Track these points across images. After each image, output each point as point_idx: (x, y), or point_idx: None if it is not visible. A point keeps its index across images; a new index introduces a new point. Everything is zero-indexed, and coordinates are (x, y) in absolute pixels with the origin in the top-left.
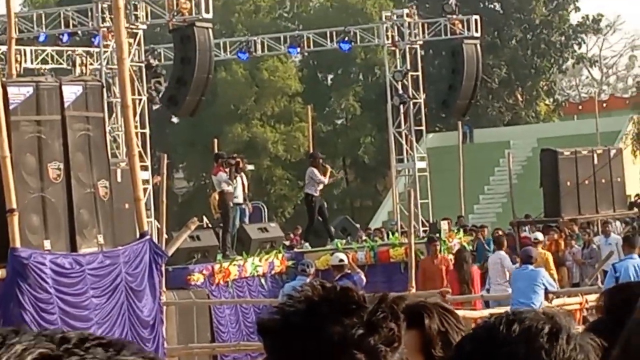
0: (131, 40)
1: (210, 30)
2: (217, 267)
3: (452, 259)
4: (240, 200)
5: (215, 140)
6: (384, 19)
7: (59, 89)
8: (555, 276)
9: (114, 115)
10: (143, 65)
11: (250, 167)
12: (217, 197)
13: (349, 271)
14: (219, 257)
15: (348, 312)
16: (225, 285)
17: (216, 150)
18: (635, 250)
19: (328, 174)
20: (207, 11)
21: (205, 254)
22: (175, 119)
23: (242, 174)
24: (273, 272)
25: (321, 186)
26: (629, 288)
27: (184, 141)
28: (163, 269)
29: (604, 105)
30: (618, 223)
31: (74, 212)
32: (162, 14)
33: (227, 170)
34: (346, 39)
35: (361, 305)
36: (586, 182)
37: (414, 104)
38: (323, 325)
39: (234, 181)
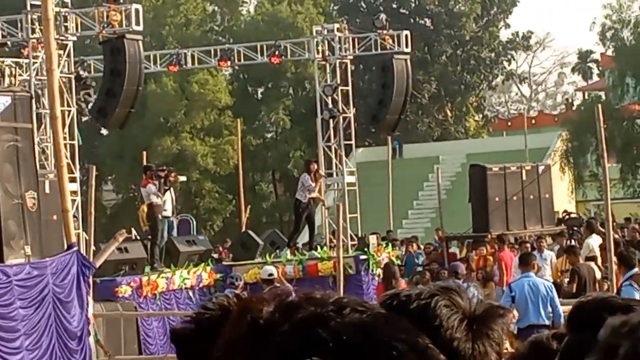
0: (61, 52)
1: (140, 43)
2: (145, 279)
3: (380, 274)
4: (168, 213)
5: (145, 153)
6: (314, 33)
7: None
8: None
9: (42, 126)
10: (72, 76)
11: (183, 178)
12: (145, 209)
13: (278, 285)
14: (147, 269)
15: None
16: (153, 297)
17: (145, 163)
18: (531, 268)
19: (319, 182)
20: (137, 23)
21: (133, 266)
22: (104, 131)
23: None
24: (201, 285)
25: (313, 194)
26: None
27: (113, 153)
28: (91, 280)
29: (533, 121)
30: (549, 239)
31: (1, 223)
32: (92, 25)
33: (156, 182)
34: (276, 52)
35: None
36: (514, 198)
37: (344, 118)
38: None
39: (163, 194)
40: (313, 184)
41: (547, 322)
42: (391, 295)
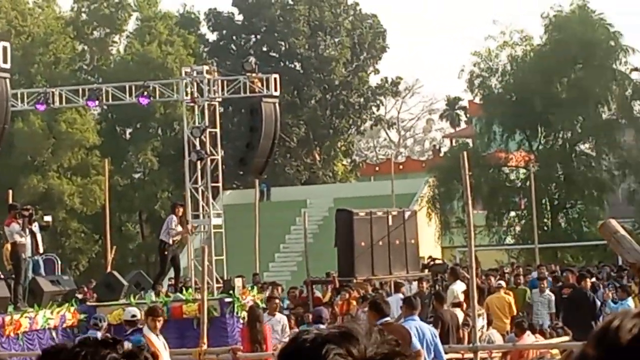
0: None
1: (8, 81)
2: (7, 318)
3: (245, 317)
4: (28, 253)
5: (10, 191)
6: (183, 74)
7: None
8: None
9: None
10: None
11: (48, 218)
12: (9, 248)
13: (141, 326)
14: (10, 308)
15: (108, 346)
16: (16, 337)
17: (10, 201)
18: (416, 311)
19: (184, 227)
20: (4, 61)
21: None
22: None
23: (37, 225)
24: (65, 325)
25: (177, 237)
26: None
27: None
28: None
29: (401, 167)
30: (415, 284)
31: None
32: None
33: (20, 221)
34: (145, 93)
35: (118, 341)
36: (380, 243)
37: (212, 160)
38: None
39: (26, 233)
40: (177, 228)
41: None
42: (293, 337)
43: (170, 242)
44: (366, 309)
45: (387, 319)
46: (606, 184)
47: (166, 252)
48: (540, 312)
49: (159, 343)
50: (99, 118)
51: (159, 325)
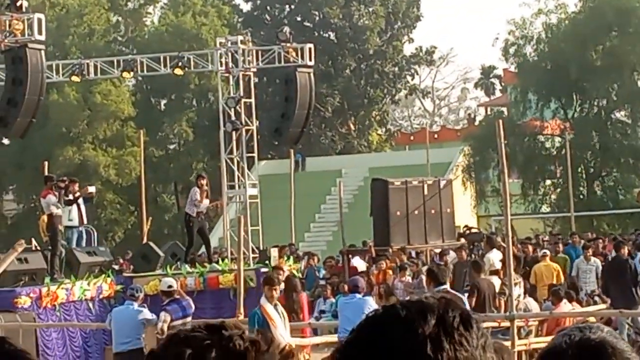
0: None
1: (42, 52)
2: (44, 290)
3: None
4: (75, 223)
5: (46, 163)
6: (218, 45)
7: None
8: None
9: None
10: None
11: (92, 188)
12: (45, 219)
13: (178, 297)
14: (47, 280)
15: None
16: (53, 308)
17: (46, 173)
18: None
19: (204, 197)
20: (40, 33)
21: (33, 277)
22: (5, 141)
23: (80, 197)
24: (101, 296)
25: (200, 209)
26: None
27: (14, 163)
28: None
29: (436, 136)
30: (452, 253)
31: None
32: None
33: (57, 193)
34: (180, 64)
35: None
36: (416, 212)
37: (247, 130)
38: None
39: (64, 205)
40: (199, 199)
41: None
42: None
43: (195, 214)
44: (403, 278)
45: (445, 286)
46: None
47: (191, 224)
48: (589, 280)
49: (275, 313)
50: (134, 89)
51: (275, 294)
